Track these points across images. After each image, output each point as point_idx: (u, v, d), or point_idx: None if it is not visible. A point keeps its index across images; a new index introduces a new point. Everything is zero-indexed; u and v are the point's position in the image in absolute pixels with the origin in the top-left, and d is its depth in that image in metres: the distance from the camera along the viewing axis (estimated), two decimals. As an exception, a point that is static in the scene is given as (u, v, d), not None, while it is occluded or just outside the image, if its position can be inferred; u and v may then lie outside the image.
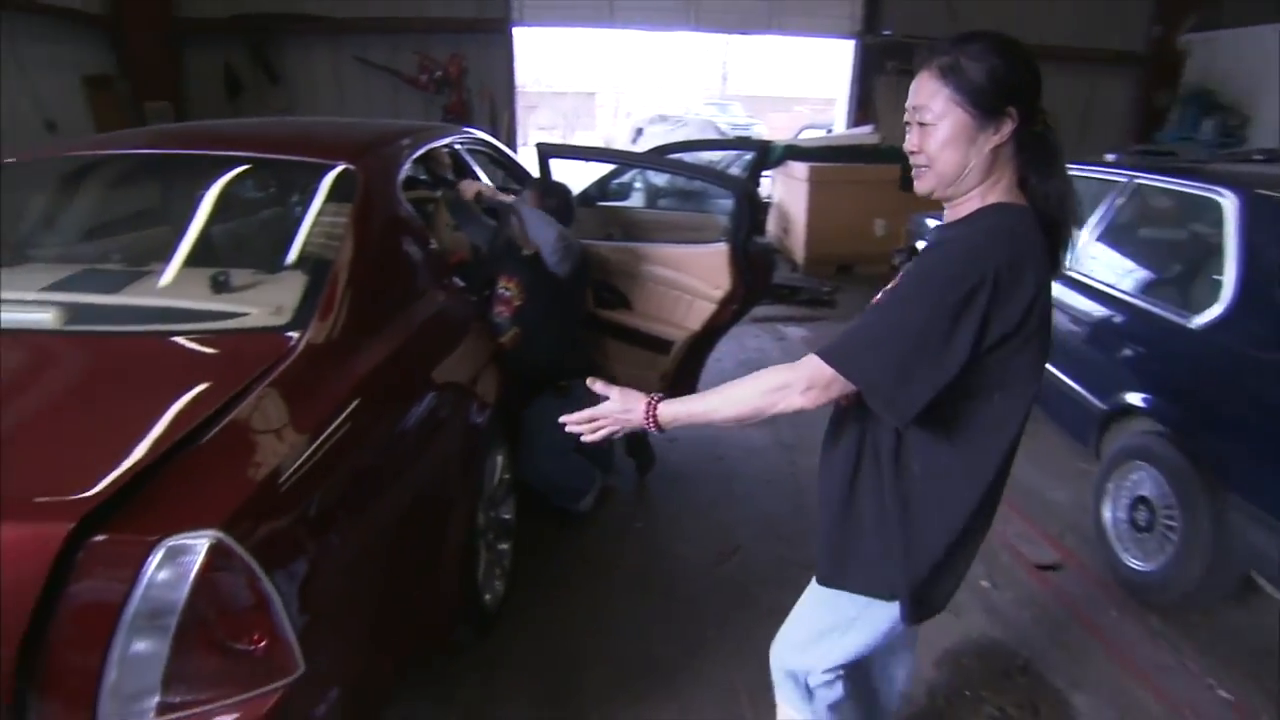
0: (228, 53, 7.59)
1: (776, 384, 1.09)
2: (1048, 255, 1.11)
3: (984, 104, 1.06)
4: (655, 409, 1.18)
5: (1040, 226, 1.11)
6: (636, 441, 3.01)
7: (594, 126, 22.14)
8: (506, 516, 2.39)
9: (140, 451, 1.12)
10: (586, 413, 1.25)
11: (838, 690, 1.38)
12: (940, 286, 1.03)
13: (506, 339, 2.43)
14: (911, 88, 1.12)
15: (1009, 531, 2.83)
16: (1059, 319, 3.49)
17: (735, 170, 4.34)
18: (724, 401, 1.14)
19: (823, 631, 1.31)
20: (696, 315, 2.77)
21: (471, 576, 1.98)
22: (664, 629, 2.27)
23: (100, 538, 1.02)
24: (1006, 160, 1.11)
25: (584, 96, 22.74)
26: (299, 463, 1.25)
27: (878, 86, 8.45)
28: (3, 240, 2.04)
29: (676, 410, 1.17)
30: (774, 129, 14.60)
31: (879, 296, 1.15)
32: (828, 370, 1.06)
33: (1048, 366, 3.92)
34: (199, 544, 1.05)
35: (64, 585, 1.01)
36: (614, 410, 1.22)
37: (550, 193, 2.59)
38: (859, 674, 1.48)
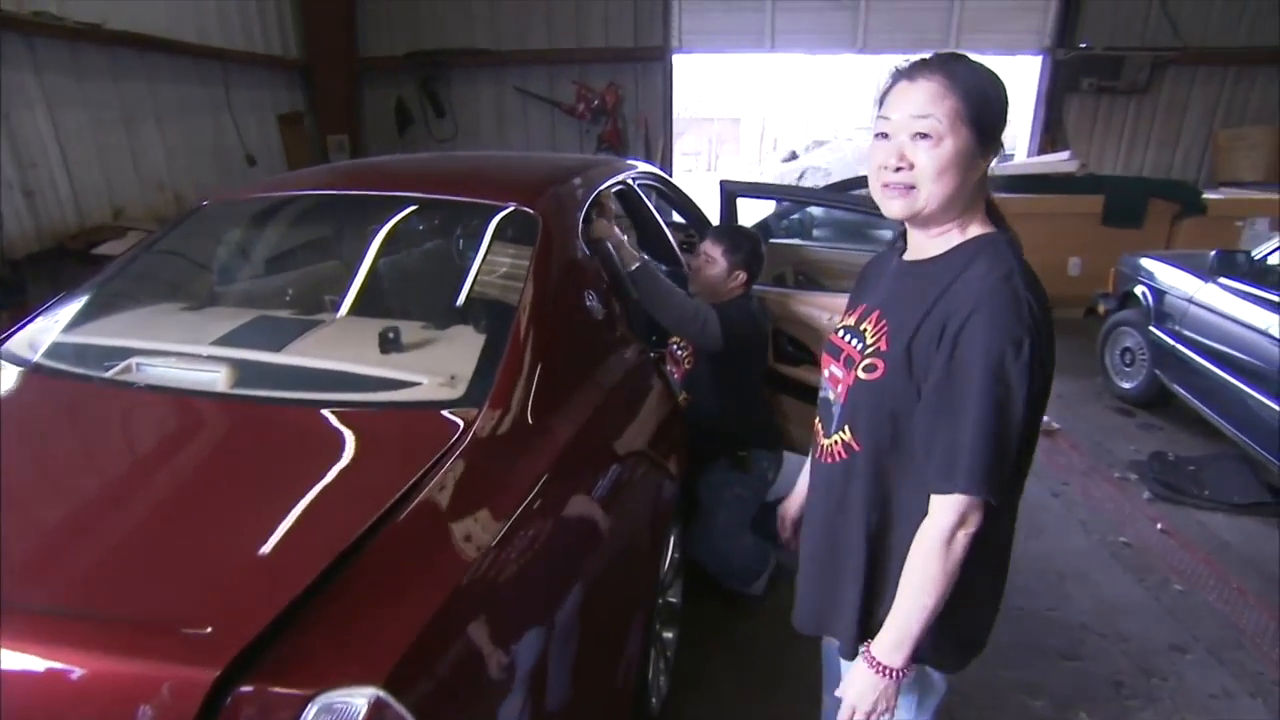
0: (400, 88, 8.06)
1: (941, 539, 1.00)
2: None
3: (988, 129, 1.00)
4: (877, 659, 1.05)
5: None
6: None
7: (739, 153, 21.92)
8: (674, 600, 2.11)
9: (293, 572, 0.93)
10: None
11: None
12: (1018, 370, 0.95)
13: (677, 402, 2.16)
14: (898, 95, 1.02)
15: (1251, 630, 2.21)
16: (1247, 335, 3.06)
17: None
18: (920, 594, 1.02)
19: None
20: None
21: (644, 683, 1.70)
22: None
23: (248, 688, 0.83)
24: (981, 189, 1.06)
25: (729, 122, 22.59)
26: (470, 589, 1.02)
27: (1071, 107, 7.58)
28: (193, 284, 2.04)
29: (894, 639, 1.04)
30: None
31: (938, 380, 1.00)
32: (969, 499, 0.98)
33: (1241, 385, 3.10)
34: (358, 702, 0.84)
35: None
36: (863, 694, 1.07)
37: (740, 244, 2.22)
38: None
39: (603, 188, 2.15)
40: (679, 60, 8.00)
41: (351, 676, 0.85)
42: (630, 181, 2.51)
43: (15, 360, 1.58)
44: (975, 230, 1.06)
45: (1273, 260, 3.37)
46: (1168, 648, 2.33)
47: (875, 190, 1.06)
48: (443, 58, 7.86)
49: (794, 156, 9.30)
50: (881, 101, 1.05)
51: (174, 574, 0.95)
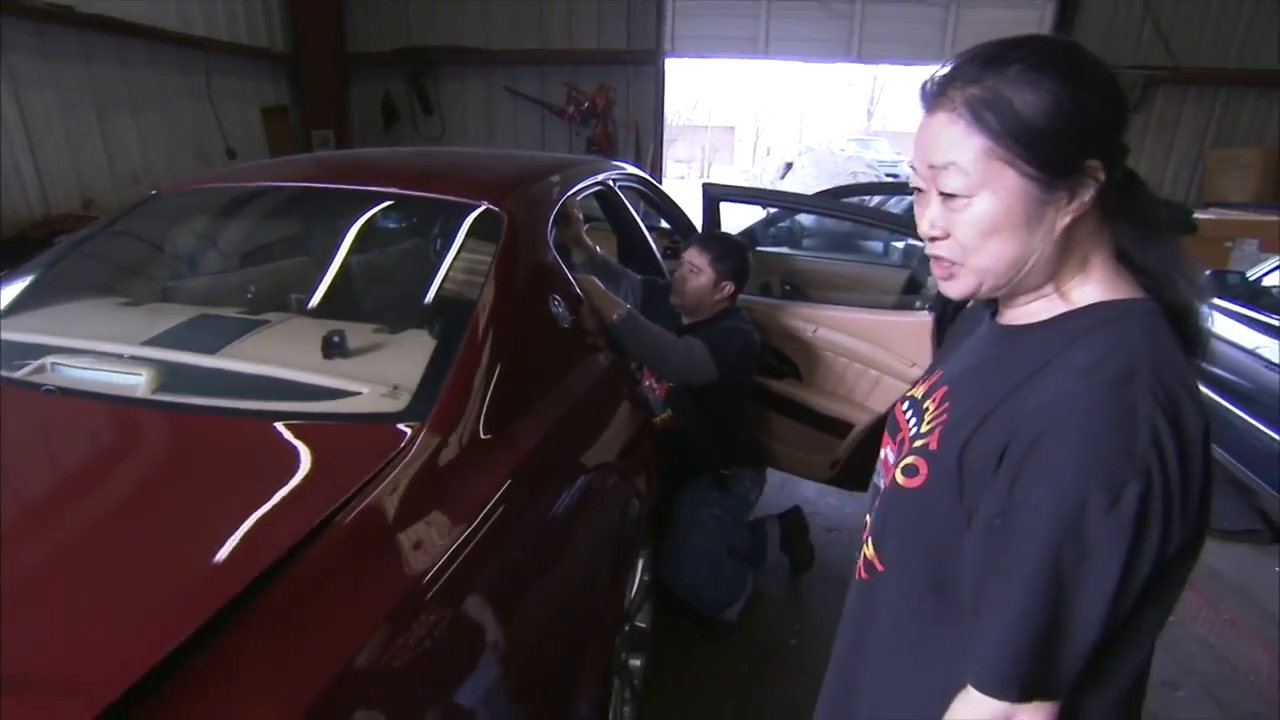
0: (387, 84, 7.93)
1: None
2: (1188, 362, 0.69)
3: (1051, 158, 0.66)
4: None
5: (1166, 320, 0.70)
6: (793, 534, 2.52)
7: (732, 161, 21.90)
8: (642, 625, 1.99)
9: (176, 615, 0.80)
10: None
11: None
12: (1107, 530, 0.62)
13: (659, 420, 2.03)
14: (919, 132, 0.72)
15: (1245, 666, 2.13)
16: (1240, 358, 2.97)
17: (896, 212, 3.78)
18: None
19: None
20: (883, 395, 2.26)
21: (603, 714, 1.58)
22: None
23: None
24: (1093, 234, 0.71)
25: (723, 131, 22.58)
26: (400, 620, 0.90)
27: (1063, 122, 7.57)
28: (136, 278, 1.91)
29: None
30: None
31: (990, 519, 0.68)
32: (1008, 704, 0.67)
33: (1233, 408, 3.04)
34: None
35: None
36: None
37: (727, 252, 2.06)
38: None
39: (574, 190, 2.04)
40: (671, 64, 7.93)
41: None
42: (610, 183, 2.40)
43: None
44: (1092, 294, 0.72)
45: (1268, 281, 3.31)
46: (1159, 683, 2.23)
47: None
48: (432, 55, 7.75)
49: (789, 168, 9.28)
50: None
51: (35, 618, 0.81)
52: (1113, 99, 0.69)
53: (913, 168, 0.75)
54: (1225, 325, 3.32)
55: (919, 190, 0.75)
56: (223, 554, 0.91)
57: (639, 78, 7.83)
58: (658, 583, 2.10)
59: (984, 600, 0.69)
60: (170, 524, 0.95)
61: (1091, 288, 0.72)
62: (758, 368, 2.20)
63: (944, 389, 0.80)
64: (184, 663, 0.76)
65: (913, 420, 0.83)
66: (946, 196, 0.71)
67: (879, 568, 0.83)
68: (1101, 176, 0.68)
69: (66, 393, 1.25)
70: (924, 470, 0.76)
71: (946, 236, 0.72)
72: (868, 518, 0.90)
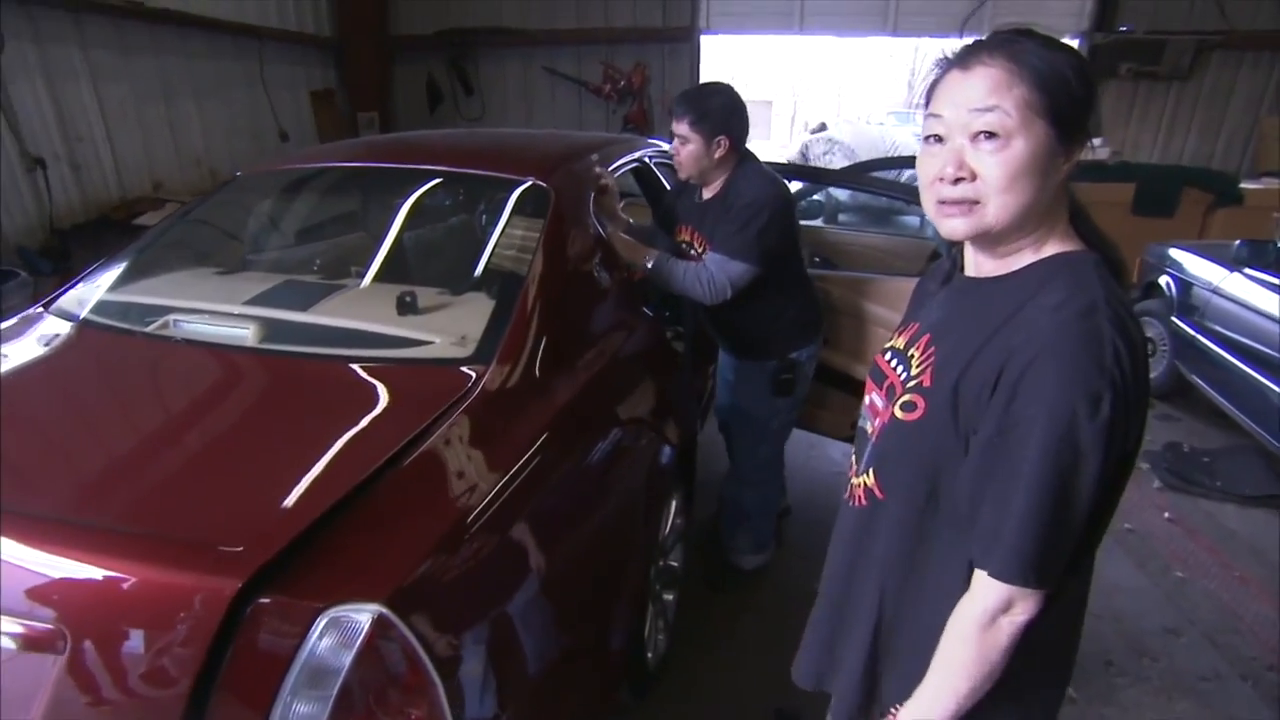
0: (430, 66, 8.16)
1: (979, 623, 0.84)
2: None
3: (1069, 119, 0.80)
4: None
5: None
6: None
7: (769, 136, 21.70)
8: (674, 564, 2.20)
9: (309, 502, 1.03)
10: None
11: None
12: (1092, 433, 0.76)
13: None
14: (950, 88, 0.82)
15: (1249, 617, 2.24)
16: (1269, 327, 2.98)
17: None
18: (951, 677, 0.87)
19: None
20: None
21: (639, 636, 1.80)
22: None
23: (267, 600, 0.93)
24: (1061, 197, 0.85)
25: (760, 105, 22.37)
26: (470, 527, 1.11)
27: (1107, 93, 7.40)
28: (226, 250, 2.16)
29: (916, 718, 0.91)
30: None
31: (990, 435, 0.81)
32: (1015, 588, 0.81)
33: (1260, 377, 3.15)
34: (363, 617, 0.94)
35: (230, 642, 0.94)
36: None
37: (705, 110, 1.92)
38: None
39: (613, 167, 2.21)
40: (707, 41, 7.98)
41: (358, 594, 0.94)
42: (647, 160, 2.57)
43: (65, 316, 1.71)
44: (1054, 247, 0.86)
45: (1299, 251, 3.32)
46: (1162, 630, 2.36)
47: (929, 207, 0.87)
48: (471, 36, 7.93)
49: (823, 128, 9.36)
50: (929, 98, 0.85)
51: (203, 500, 1.06)
52: (1093, 87, 0.83)
53: (934, 117, 0.83)
54: (1256, 294, 3.34)
55: (936, 139, 0.84)
56: (332, 466, 1.13)
57: (675, 56, 7.90)
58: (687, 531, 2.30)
59: (985, 505, 0.81)
60: (300, 439, 1.19)
61: (1054, 242, 0.86)
62: (791, 217, 2.08)
63: (926, 336, 0.92)
64: (316, 537, 0.99)
65: (899, 367, 0.95)
66: (984, 138, 0.80)
67: (879, 495, 0.94)
68: (1086, 145, 0.83)
69: (190, 343, 1.50)
70: (921, 404, 0.88)
71: (973, 178, 0.81)
72: (852, 458, 1.04)
